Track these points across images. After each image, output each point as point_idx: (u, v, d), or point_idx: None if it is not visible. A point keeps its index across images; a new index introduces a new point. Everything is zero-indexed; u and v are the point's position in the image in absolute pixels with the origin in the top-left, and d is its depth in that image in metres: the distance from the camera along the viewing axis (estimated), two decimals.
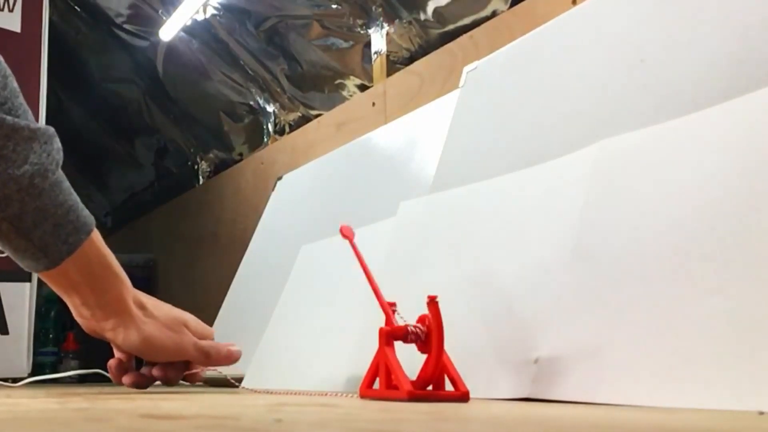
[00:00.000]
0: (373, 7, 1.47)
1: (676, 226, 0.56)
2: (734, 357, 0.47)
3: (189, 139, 2.33)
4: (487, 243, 0.73)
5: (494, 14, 1.20)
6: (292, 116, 1.83)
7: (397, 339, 0.61)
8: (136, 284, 0.82)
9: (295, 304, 1.05)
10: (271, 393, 0.84)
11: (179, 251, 2.35)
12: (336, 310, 0.93)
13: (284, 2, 1.66)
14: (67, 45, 2.34)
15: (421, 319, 0.60)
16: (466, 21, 1.26)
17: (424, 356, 0.60)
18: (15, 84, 0.73)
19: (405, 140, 1.10)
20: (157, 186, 2.62)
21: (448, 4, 1.29)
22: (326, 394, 0.70)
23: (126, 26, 2.19)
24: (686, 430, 0.35)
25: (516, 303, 0.66)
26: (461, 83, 0.95)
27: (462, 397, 0.58)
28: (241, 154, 2.09)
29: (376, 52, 1.49)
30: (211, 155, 2.27)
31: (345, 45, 1.58)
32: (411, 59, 1.39)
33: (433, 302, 0.58)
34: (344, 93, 1.62)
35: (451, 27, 1.30)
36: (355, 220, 0.79)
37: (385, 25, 1.45)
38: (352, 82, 1.59)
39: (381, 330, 0.62)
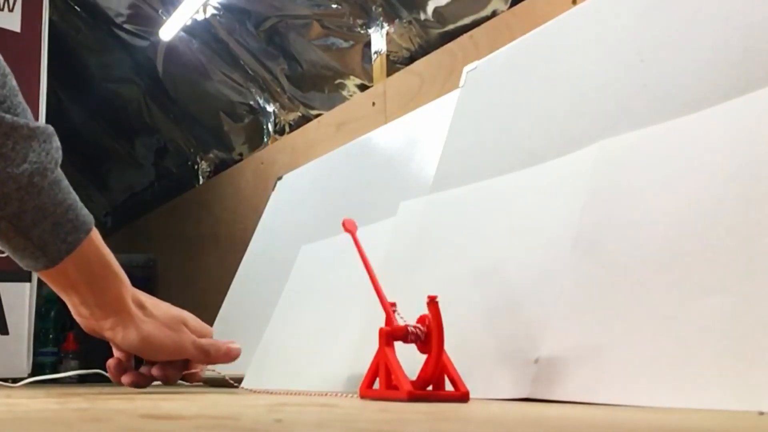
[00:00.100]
0: (373, 7, 1.47)
1: (676, 226, 0.56)
2: (734, 357, 0.47)
3: (189, 139, 2.33)
4: (486, 243, 0.73)
5: (494, 14, 1.20)
6: (292, 116, 1.83)
7: (397, 339, 0.61)
8: (136, 284, 0.82)
9: (295, 304, 1.05)
10: (271, 393, 0.83)
11: (179, 251, 2.35)
12: (336, 310, 0.93)
13: (284, 2, 1.66)
14: (67, 45, 2.34)
15: (421, 319, 0.60)
16: (466, 21, 1.26)
17: (424, 356, 0.60)
18: (14, 82, 0.73)
19: (405, 140, 1.10)
20: (157, 186, 2.62)
21: (448, 4, 1.29)
22: (326, 394, 0.70)
23: (126, 26, 2.19)
24: (686, 430, 0.35)
25: (516, 303, 0.65)
26: (461, 83, 0.95)
27: (462, 397, 0.58)
28: (241, 154, 2.09)
29: (376, 52, 1.49)
30: (211, 155, 2.27)
31: (345, 45, 1.58)
32: (411, 59, 1.39)
33: (433, 302, 0.58)
34: (344, 93, 1.62)
35: (451, 27, 1.30)
36: (355, 220, 0.79)
37: (385, 25, 1.45)
38: (352, 82, 1.59)
39: (381, 330, 0.62)
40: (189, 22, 1.91)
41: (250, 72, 1.90)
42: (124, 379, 0.82)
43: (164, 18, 1.98)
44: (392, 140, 1.15)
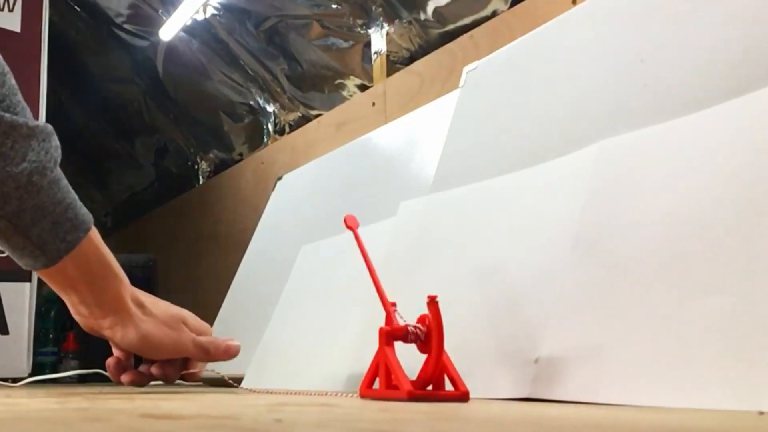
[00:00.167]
0: (373, 7, 1.47)
1: (676, 226, 0.56)
2: (734, 357, 0.47)
3: (189, 139, 2.33)
4: (486, 243, 0.73)
5: (494, 14, 1.20)
6: (292, 116, 1.83)
7: (397, 339, 0.61)
8: (136, 284, 0.82)
9: (295, 304, 1.05)
10: (271, 393, 0.83)
11: (179, 251, 2.35)
12: (336, 310, 0.93)
13: (284, 2, 1.66)
14: (67, 45, 2.34)
15: (421, 319, 0.60)
16: (466, 21, 1.26)
17: (424, 356, 0.60)
18: (13, 81, 0.73)
19: (405, 140, 1.10)
20: (157, 186, 2.62)
21: (448, 4, 1.29)
22: (326, 394, 0.70)
23: (126, 26, 2.19)
24: (686, 430, 0.35)
25: (516, 303, 0.65)
26: (461, 83, 0.95)
27: (462, 397, 0.58)
28: (241, 154, 2.09)
29: (376, 52, 1.49)
30: (211, 155, 2.27)
31: (345, 45, 1.58)
32: (411, 59, 1.39)
33: (433, 302, 0.58)
34: (344, 93, 1.62)
35: (451, 27, 1.30)
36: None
37: (385, 25, 1.45)
38: (352, 82, 1.59)
39: (381, 330, 0.62)
40: (189, 22, 1.91)
41: (250, 72, 1.90)
42: (124, 378, 0.82)
43: (164, 18, 1.98)
44: (392, 140, 1.15)
